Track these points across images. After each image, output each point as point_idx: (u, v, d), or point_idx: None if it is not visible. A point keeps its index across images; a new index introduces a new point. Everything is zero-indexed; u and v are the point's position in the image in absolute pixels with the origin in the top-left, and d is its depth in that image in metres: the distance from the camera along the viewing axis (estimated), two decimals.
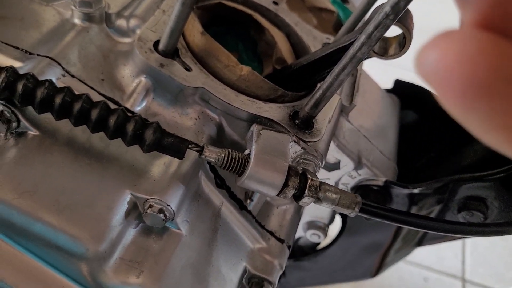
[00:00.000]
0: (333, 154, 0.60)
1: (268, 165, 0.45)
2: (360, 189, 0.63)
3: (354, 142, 0.61)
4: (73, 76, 0.48)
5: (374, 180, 0.62)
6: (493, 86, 0.15)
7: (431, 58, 0.16)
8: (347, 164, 0.61)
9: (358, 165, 0.61)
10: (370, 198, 0.63)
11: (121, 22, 0.53)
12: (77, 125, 0.43)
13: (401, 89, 0.77)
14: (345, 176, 0.63)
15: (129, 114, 0.44)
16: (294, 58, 0.64)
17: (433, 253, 1.69)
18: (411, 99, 0.76)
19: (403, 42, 0.48)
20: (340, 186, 0.65)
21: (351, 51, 0.44)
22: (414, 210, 0.65)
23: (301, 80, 0.57)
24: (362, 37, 0.42)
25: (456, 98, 0.15)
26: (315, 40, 0.65)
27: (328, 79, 0.47)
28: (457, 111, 0.16)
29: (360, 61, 0.45)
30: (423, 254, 1.66)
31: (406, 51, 0.50)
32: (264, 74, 0.66)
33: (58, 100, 0.42)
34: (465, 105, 0.15)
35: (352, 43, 0.52)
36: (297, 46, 0.65)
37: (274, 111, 0.52)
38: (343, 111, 0.61)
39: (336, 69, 0.46)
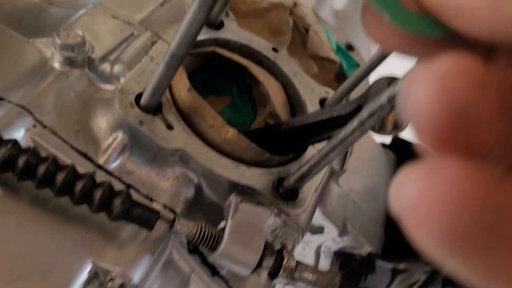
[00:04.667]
0: (318, 220, 0.57)
1: (242, 244, 0.43)
2: (343, 255, 0.61)
3: (342, 207, 0.58)
4: (45, 126, 0.44)
5: (358, 249, 0.59)
6: (474, 238, 0.13)
7: (407, 195, 0.13)
8: (331, 231, 0.58)
9: (343, 232, 0.58)
10: (353, 266, 0.60)
11: (105, 67, 0.50)
12: (40, 188, 0.40)
13: (398, 146, 0.74)
14: (328, 240, 0.60)
15: (98, 181, 0.41)
16: (289, 110, 0.61)
17: None
18: (407, 157, 0.73)
19: (400, 123, 0.46)
20: (323, 249, 0.62)
21: (342, 134, 0.41)
22: (397, 280, 0.62)
23: (291, 141, 0.54)
24: (355, 123, 0.39)
25: (432, 243, 0.13)
26: (313, 94, 0.61)
27: (317, 156, 0.44)
28: (432, 255, 0.14)
29: (350, 144, 0.42)
30: None
31: (403, 129, 0.47)
32: (257, 121, 0.63)
33: (21, 162, 0.39)
34: (441, 252, 0.13)
35: (346, 115, 0.49)
36: (293, 98, 0.62)
37: (257, 178, 0.49)
38: (334, 175, 0.58)
39: (326, 148, 0.43)
